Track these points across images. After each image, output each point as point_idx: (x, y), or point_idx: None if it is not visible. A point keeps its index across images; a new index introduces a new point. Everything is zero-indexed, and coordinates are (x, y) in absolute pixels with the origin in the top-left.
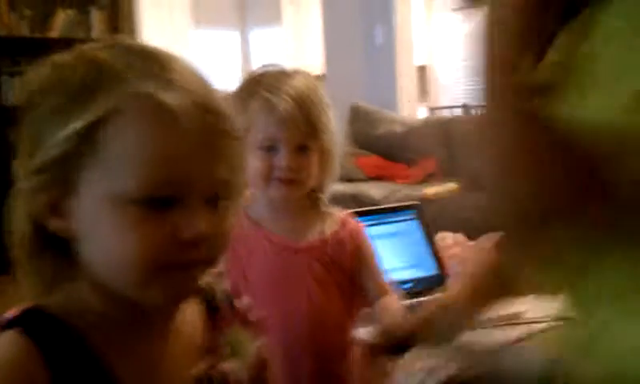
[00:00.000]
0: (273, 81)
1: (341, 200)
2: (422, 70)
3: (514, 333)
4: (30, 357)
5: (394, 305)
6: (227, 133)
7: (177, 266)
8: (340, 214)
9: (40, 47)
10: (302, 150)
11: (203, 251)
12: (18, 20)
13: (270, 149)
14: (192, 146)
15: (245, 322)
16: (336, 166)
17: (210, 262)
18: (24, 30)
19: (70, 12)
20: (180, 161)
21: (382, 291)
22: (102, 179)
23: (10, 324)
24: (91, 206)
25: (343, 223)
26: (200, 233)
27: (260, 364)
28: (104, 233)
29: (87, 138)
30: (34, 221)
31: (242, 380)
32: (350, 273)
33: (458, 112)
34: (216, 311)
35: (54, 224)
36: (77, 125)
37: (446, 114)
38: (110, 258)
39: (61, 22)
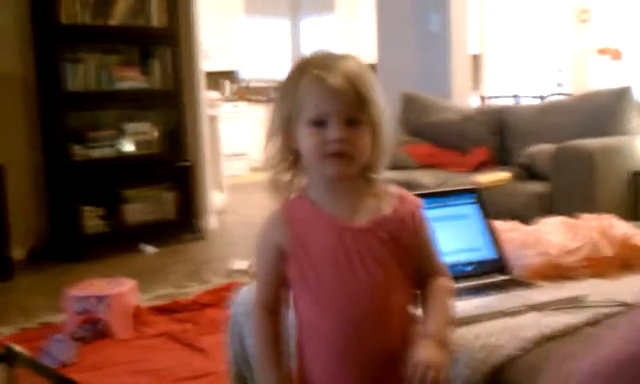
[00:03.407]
0: (322, 60)
1: None
2: (475, 58)
3: (579, 317)
4: None
5: (448, 286)
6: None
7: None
8: (397, 190)
9: (100, 35)
10: (352, 123)
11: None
12: (81, 8)
13: (321, 124)
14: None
15: None
16: (387, 142)
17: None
18: (86, 18)
19: (130, 0)
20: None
21: (436, 272)
22: None
23: None
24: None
25: (402, 200)
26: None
27: None
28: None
29: None
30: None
31: None
32: (410, 250)
33: (510, 101)
34: None
35: None
36: None
37: (498, 102)
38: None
39: (120, 10)
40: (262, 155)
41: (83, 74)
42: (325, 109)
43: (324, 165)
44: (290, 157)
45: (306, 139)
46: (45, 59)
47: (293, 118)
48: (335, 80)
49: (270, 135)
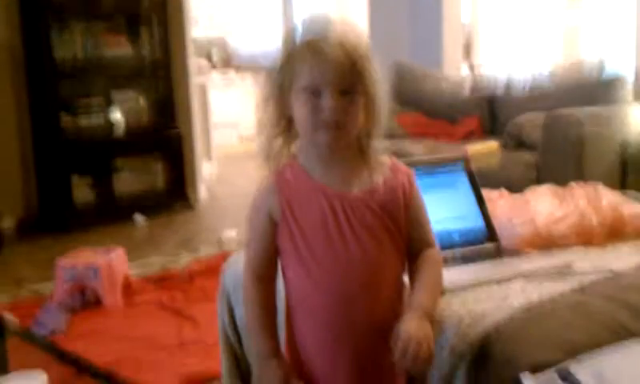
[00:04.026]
0: (318, 27)
1: None
2: (466, 27)
3: (566, 285)
4: None
5: (437, 258)
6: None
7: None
8: (389, 160)
9: (87, 2)
10: (346, 93)
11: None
12: None
13: (316, 93)
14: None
15: None
16: (381, 113)
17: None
18: None
19: None
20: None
21: (426, 242)
22: None
23: None
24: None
25: (394, 170)
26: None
27: None
28: None
29: None
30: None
31: None
32: (401, 220)
33: (501, 71)
34: None
35: None
36: None
37: (488, 72)
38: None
39: None
40: (253, 121)
41: (70, 42)
42: (319, 78)
43: (317, 134)
44: (283, 123)
45: (300, 107)
46: (32, 27)
47: (287, 84)
48: (331, 49)
49: (263, 100)
